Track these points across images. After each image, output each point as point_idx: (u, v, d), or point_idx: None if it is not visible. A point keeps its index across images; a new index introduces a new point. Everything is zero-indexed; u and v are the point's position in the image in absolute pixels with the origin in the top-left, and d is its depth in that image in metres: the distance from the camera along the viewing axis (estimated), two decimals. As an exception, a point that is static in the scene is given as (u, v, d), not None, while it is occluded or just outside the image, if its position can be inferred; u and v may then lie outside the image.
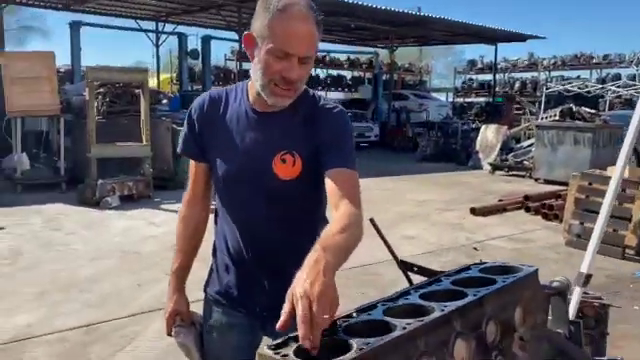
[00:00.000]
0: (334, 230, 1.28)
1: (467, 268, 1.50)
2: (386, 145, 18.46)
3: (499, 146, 13.60)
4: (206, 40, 20.06)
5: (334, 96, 27.72)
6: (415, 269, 1.50)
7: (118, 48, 67.75)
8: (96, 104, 8.90)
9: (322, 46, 26.22)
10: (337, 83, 28.82)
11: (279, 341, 1.08)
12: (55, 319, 3.89)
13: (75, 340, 3.60)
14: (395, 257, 1.46)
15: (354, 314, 1.20)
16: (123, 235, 6.48)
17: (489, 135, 14.10)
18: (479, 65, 31.19)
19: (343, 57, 27.83)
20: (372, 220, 1.47)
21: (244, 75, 26.37)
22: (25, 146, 9.44)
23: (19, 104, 8.71)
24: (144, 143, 8.85)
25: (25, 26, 31.66)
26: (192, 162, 1.68)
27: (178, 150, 1.70)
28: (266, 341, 1.09)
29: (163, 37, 20.28)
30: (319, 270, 1.08)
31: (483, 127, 14.88)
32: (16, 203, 8.02)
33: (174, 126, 9.33)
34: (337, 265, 1.16)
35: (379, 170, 12.16)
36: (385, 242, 1.46)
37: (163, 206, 8.12)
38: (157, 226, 6.92)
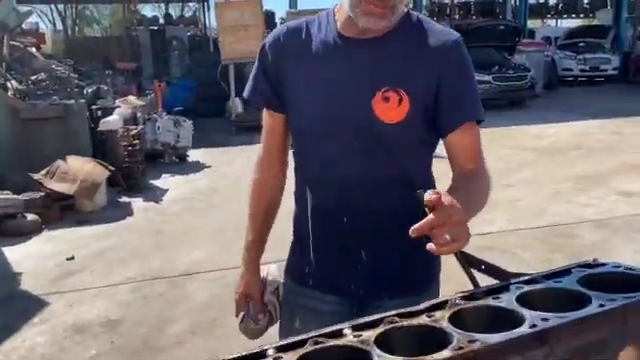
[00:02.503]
0: (473, 189, 1.18)
1: (564, 272, 1.01)
2: (629, 81, 15.86)
3: None
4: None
5: (565, 24, 24.48)
6: (483, 267, 1.05)
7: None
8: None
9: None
10: (571, 8, 25.33)
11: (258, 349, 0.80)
12: (220, 257, 4.12)
13: (232, 280, 3.76)
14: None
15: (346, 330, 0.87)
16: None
17: None
18: None
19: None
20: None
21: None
22: (239, 91, 10.28)
23: (231, 51, 9.42)
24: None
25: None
26: (265, 114, 1.41)
27: (245, 97, 1.42)
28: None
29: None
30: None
31: None
32: (229, 143, 8.81)
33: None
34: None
35: (611, 110, 10.48)
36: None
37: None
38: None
